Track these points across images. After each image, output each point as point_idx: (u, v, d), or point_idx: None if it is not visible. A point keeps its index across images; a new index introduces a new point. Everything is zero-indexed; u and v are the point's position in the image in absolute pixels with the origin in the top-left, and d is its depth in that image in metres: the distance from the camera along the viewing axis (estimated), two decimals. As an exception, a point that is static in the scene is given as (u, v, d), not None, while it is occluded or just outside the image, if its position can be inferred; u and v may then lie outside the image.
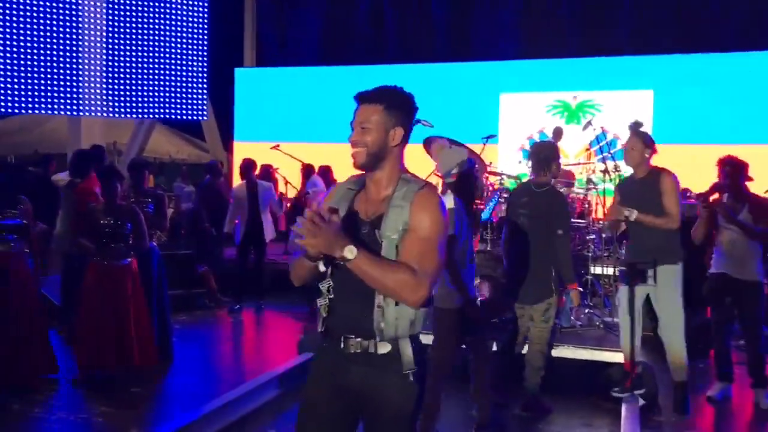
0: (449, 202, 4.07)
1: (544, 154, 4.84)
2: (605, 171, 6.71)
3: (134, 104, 12.23)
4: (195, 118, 12.88)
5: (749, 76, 10.77)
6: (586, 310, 6.16)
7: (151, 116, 12.75)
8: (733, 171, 5.05)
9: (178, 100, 12.50)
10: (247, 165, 8.14)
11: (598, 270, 6.80)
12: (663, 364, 5.92)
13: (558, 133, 9.53)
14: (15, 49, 11.10)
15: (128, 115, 12.52)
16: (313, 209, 2.18)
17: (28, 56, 11.26)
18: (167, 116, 12.68)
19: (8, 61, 11.09)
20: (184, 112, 12.58)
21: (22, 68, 11.21)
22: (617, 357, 5.23)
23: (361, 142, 2.35)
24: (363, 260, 2.17)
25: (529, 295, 4.70)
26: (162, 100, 12.41)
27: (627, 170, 5.96)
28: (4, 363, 4.88)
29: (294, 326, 7.25)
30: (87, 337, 5.15)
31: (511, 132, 11.62)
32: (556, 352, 5.35)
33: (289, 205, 10.27)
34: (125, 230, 5.18)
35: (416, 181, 2.37)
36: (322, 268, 2.29)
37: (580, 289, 4.67)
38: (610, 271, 6.92)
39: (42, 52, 11.34)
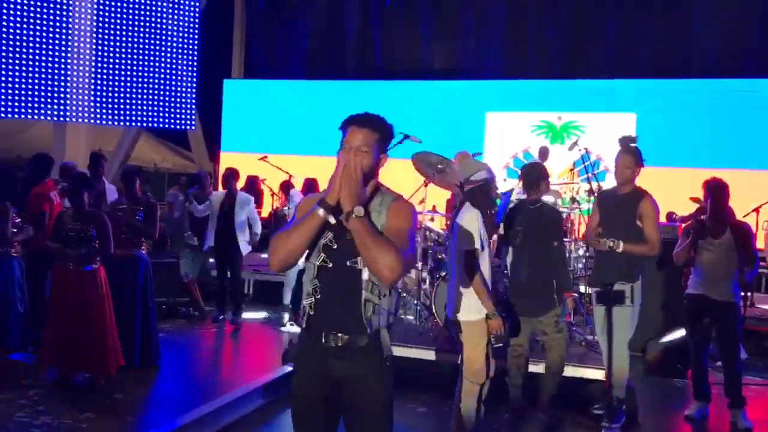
0: (472, 215, 4.19)
1: (534, 173, 5.08)
2: (590, 191, 6.82)
3: (121, 111, 12.21)
4: (183, 127, 12.88)
5: (730, 102, 11.00)
6: (568, 328, 6.23)
7: (138, 124, 12.73)
8: (718, 194, 5.17)
9: (166, 109, 12.50)
10: (229, 174, 7.97)
11: (581, 288, 6.88)
12: (643, 381, 6.03)
13: (544, 153, 9.67)
14: (1, 54, 11.06)
15: (115, 123, 12.49)
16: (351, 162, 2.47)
17: (15, 61, 11.22)
18: (155, 125, 12.66)
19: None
20: (171, 120, 12.58)
21: (8, 73, 11.17)
22: (598, 374, 5.31)
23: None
24: (366, 221, 2.44)
25: (535, 308, 4.88)
26: (150, 108, 12.40)
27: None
28: None
29: (277, 337, 7.26)
30: (52, 340, 5.17)
31: (497, 151, 11.76)
32: (536, 369, 5.42)
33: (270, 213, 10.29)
34: (90, 235, 5.20)
35: (390, 193, 2.67)
36: (332, 220, 2.46)
37: (575, 295, 4.87)
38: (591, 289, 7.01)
39: (29, 56, 11.31)
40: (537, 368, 5.24)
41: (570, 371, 5.34)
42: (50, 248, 5.27)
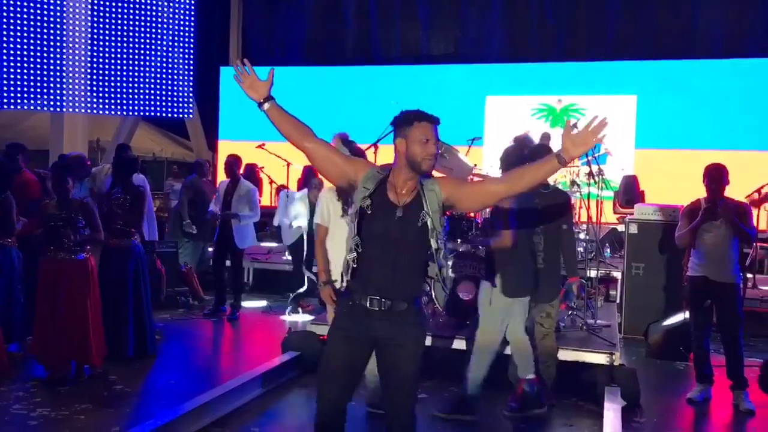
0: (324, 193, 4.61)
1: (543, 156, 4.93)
2: (590, 174, 6.76)
3: (118, 101, 12.13)
4: (181, 115, 12.81)
5: (731, 83, 10.91)
6: (570, 312, 6.20)
7: (135, 113, 12.66)
8: (716, 176, 5.13)
9: (164, 98, 12.42)
10: (231, 162, 7.73)
11: (582, 273, 6.83)
12: (644, 364, 6.00)
13: (545, 138, 9.59)
14: (-2, 44, 10.98)
15: (112, 112, 12.42)
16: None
17: (10, 51, 11.14)
18: (152, 113, 12.58)
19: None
20: (169, 109, 12.50)
21: (4, 63, 11.09)
22: (599, 358, 5.28)
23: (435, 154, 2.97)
24: (274, 110, 3.11)
25: (545, 293, 4.86)
26: (147, 97, 12.32)
27: (610, 175, 6.03)
28: None
29: (276, 326, 7.22)
30: (40, 330, 5.14)
31: (497, 134, 11.67)
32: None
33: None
34: (77, 224, 5.15)
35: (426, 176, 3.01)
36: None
37: (583, 281, 4.85)
38: (593, 273, 6.97)
39: (25, 47, 11.23)
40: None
41: (571, 355, 5.31)
42: (36, 238, 5.23)
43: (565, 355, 5.31)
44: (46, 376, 5.13)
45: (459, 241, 6.42)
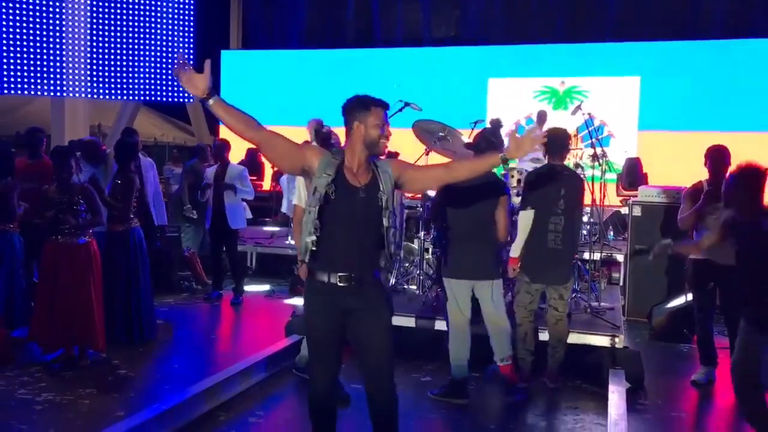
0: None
1: (560, 140, 4.99)
2: (594, 156, 6.72)
3: (119, 85, 12.07)
4: (181, 100, 12.75)
5: (735, 64, 10.82)
6: (573, 295, 6.19)
7: (136, 98, 12.60)
8: (717, 157, 5.11)
9: (164, 82, 12.36)
10: (220, 146, 7.75)
11: (585, 255, 6.82)
12: (648, 347, 6.00)
13: (542, 117, 9.54)
14: (-3, 29, 10.91)
15: (113, 97, 12.37)
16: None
17: (9, 36, 11.08)
18: (153, 98, 12.53)
19: (-10, 40, 10.90)
20: (170, 94, 12.44)
21: (3, 49, 11.03)
22: (602, 341, 5.27)
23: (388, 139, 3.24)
24: (219, 105, 3.07)
25: (563, 275, 4.91)
26: (147, 82, 12.26)
27: (614, 157, 6.01)
28: None
29: (278, 310, 7.22)
30: (40, 314, 5.14)
31: (499, 117, 11.61)
32: (542, 336, 5.38)
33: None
34: (79, 208, 5.14)
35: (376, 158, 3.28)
36: None
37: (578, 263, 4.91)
38: (597, 256, 6.95)
39: (24, 31, 11.16)
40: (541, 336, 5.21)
41: (575, 338, 5.30)
42: (37, 224, 5.23)
43: (569, 337, 5.30)
44: (49, 360, 5.13)
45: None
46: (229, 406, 4.54)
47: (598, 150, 6.78)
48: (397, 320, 5.70)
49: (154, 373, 5.32)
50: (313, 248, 3.12)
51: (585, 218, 7.81)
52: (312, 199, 3.14)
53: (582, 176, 7.07)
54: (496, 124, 7.40)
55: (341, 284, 3.15)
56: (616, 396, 4.59)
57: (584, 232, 7.63)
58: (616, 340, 5.23)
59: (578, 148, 9.01)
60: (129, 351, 5.53)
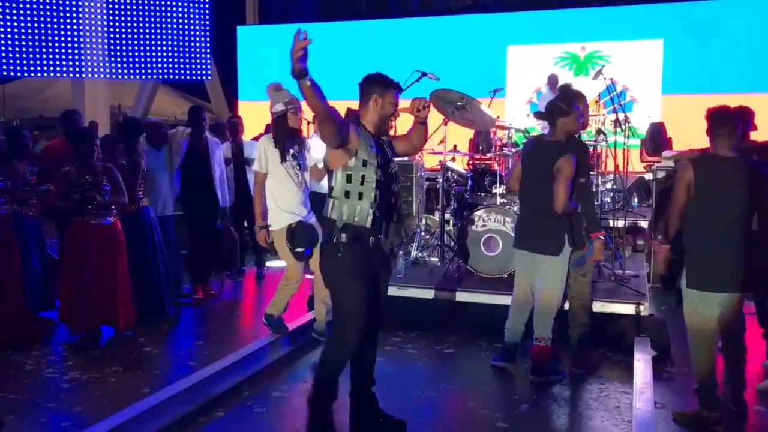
0: (261, 142, 5.06)
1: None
2: (616, 122, 6.59)
3: (137, 65, 12.09)
4: (199, 77, 12.75)
5: (760, 23, 10.53)
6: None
7: (154, 77, 12.62)
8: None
9: (182, 60, 12.35)
10: (235, 124, 7.69)
11: (609, 223, 6.73)
12: (674, 315, 5.91)
13: (552, 80, 9.36)
14: (16, 13, 10.96)
15: (131, 77, 12.40)
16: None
17: (31, 19, 11.12)
18: (171, 77, 12.54)
19: (10, 24, 10.96)
20: (187, 72, 12.44)
21: (25, 32, 11.08)
22: (627, 309, 5.22)
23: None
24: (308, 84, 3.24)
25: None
26: (165, 60, 12.27)
27: (637, 122, 5.89)
28: None
29: (302, 284, 7.21)
30: (68, 295, 5.20)
31: (519, 85, 11.46)
32: (564, 305, 5.33)
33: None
34: (102, 188, 5.17)
35: None
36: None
37: (601, 237, 4.59)
38: (620, 223, 6.85)
39: (43, 14, 11.19)
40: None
41: (599, 306, 5.25)
42: (62, 208, 5.25)
43: (594, 306, 5.25)
44: (77, 340, 5.20)
45: (483, 195, 6.34)
46: (254, 380, 4.57)
47: (621, 116, 6.65)
48: (419, 292, 5.70)
49: (178, 350, 5.37)
50: (376, 214, 3.43)
51: (609, 185, 7.71)
52: (366, 170, 3.39)
53: (600, 142, 7.00)
54: (566, 88, 6.80)
55: (372, 246, 3.48)
56: (641, 364, 4.54)
57: (608, 199, 7.54)
58: (641, 307, 5.17)
59: (600, 114, 8.86)
60: (153, 328, 5.58)
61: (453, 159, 7.16)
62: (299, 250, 4.75)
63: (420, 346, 5.31)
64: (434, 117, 6.39)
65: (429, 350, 5.18)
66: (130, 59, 12.02)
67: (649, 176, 8.31)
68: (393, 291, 5.79)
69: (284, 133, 4.89)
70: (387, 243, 3.63)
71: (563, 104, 4.51)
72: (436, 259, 6.51)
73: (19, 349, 4.98)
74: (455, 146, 7.30)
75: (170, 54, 12.24)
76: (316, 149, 5.02)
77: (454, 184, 6.88)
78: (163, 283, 5.85)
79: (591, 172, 6.04)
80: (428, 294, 5.68)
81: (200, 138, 6.46)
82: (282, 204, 4.85)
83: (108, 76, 12.10)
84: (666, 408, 4.15)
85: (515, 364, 4.77)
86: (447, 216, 6.78)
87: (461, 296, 5.60)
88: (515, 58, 11.77)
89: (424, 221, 7.02)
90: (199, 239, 6.60)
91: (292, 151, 4.89)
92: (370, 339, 3.62)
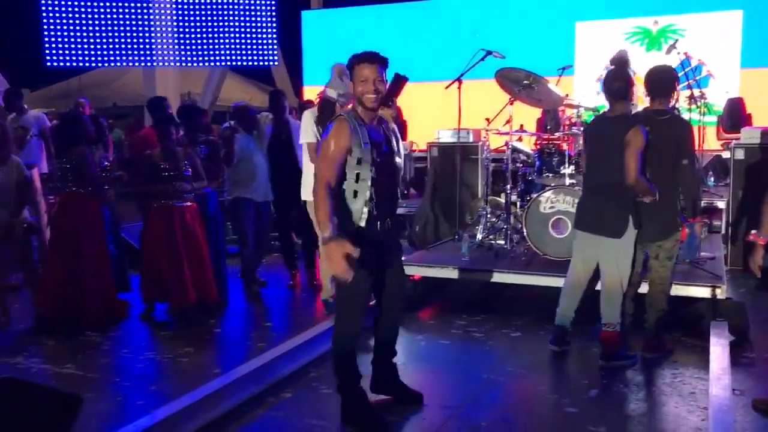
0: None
1: (667, 78, 4.50)
2: (691, 98, 6.33)
3: (206, 53, 12.34)
4: (266, 63, 12.91)
5: None
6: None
7: (222, 64, 12.85)
8: None
9: (249, 47, 12.53)
10: (304, 109, 7.56)
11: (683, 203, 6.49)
12: (755, 297, 5.68)
13: (622, 58, 9.04)
14: (91, 7, 11.31)
15: (201, 64, 12.66)
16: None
17: (104, 12, 11.46)
18: (238, 63, 12.74)
19: (84, 17, 11.32)
20: (254, 58, 12.62)
21: (99, 24, 11.44)
22: (703, 292, 5.02)
23: (379, 91, 3.42)
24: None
25: (656, 232, 4.42)
26: (232, 47, 12.47)
27: (713, 98, 5.65)
28: (75, 306, 5.17)
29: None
30: (148, 273, 5.40)
31: (588, 62, 11.13)
32: (639, 289, 5.18)
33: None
34: (185, 173, 5.36)
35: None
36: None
37: (706, 221, 4.35)
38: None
39: (116, 7, 11.51)
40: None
41: (673, 289, 5.06)
42: (147, 192, 5.41)
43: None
44: (171, 320, 5.41)
45: (551, 176, 6.21)
46: (320, 362, 4.61)
47: (696, 91, 6.39)
48: (484, 276, 5.64)
49: (248, 332, 5.47)
50: (373, 213, 3.41)
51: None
52: (361, 168, 3.35)
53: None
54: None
55: (380, 230, 3.47)
56: (718, 349, 4.36)
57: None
58: (718, 291, 4.96)
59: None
60: (222, 310, 5.70)
61: (519, 139, 7.03)
62: None
63: (485, 329, 5.25)
64: (500, 96, 6.32)
65: (495, 334, 5.12)
66: (199, 47, 12.27)
67: (726, 154, 7.96)
68: (457, 274, 5.78)
69: (326, 117, 4.92)
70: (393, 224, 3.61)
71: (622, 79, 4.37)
72: (503, 242, 6.42)
73: (99, 330, 5.16)
74: (522, 126, 7.16)
75: (237, 41, 12.43)
76: None
77: (521, 165, 6.75)
78: (224, 265, 6.01)
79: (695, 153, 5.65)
80: (493, 277, 5.60)
81: (282, 123, 6.38)
82: None
83: (178, 64, 12.38)
84: (745, 395, 3.99)
85: (567, 347, 4.69)
86: (513, 198, 6.67)
87: (527, 279, 5.50)
88: (584, 35, 11.44)
89: (489, 203, 6.93)
90: (288, 226, 6.58)
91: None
92: (389, 320, 3.78)
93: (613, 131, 4.27)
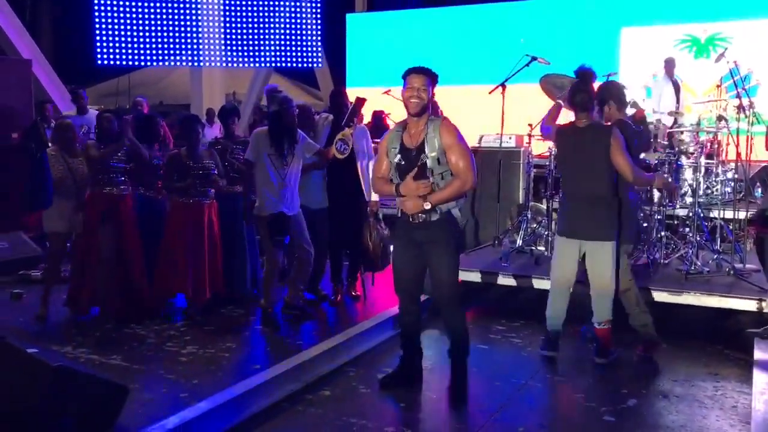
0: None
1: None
2: (740, 108, 6.23)
3: (251, 53, 12.50)
4: (311, 65, 13.03)
5: None
6: (715, 256, 5.83)
7: (267, 65, 13.01)
8: None
9: (294, 48, 12.66)
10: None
11: (728, 214, 6.39)
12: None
13: (670, 63, 8.97)
14: (140, 6, 11.56)
15: (246, 65, 12.83)
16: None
17: (152, 12, 11.70)
18: (283, 64, 12.88)
19: (135, 16, 11.58)
20: (299, 59, 12.74)
21: (147, 24, 11.68)
22: (747, 305, 4.95)
23: (420, 98, 3.89)
24: (436, 199, 3.86)
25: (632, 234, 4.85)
26: (278, 48, 12.61)
27: (763, 107, 5.55)
28: (115, 298, 5.32)
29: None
30: (165, 267, 5.50)
31: (633, 69, 11.00)
32: (680, 299, 5.14)
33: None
34: (212, 173, 5.49)
35: (437, 118, 4.01)
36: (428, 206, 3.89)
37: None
38: (741, 215, 6.50)
39: (164, 6, 11.75)
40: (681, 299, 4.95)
41: (716, 302, 5.01)
42: (176, 190, 5.51)
43: (710, 300, 5.03)
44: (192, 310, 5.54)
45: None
46: (359, 360, 4.67)
47: (745, 101, 6.28)
48: (523, 282, 5.63)
49: (288, 329, 5.52)
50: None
51: (730, 174, 7.31)
52: (392, 172, 4.00)
53: (721, 129, 6.64)
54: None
55: (413, 221, 3.94)
56: (763, 363, 4.30)
57: (728, 189, 7.16)
58: (764, 303, 4.89)
59: (722, 99, 8.40)
60: (260, 307, 5.77)
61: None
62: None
63: (524, 335, 5.25)
64: (544, 102, 6.30)
65: (533, 339, 5.11)
66: (245, 48, 12.43)
67: (775, 165, 7.80)
68: (497, 279, 5.77)
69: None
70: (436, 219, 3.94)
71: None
72: (543, 248, 6.40)
73: (142, 323, 5.29)
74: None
75: (283, 42, 12.57)
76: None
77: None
78: (255, 261, 6.10)
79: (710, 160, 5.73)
80: (533, 283, 5.59)
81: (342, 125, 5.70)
82: None
83: (224, 64, 12.57)
84: (788, 410, 3.92)
85: (558, 352, 4.75)
86: (555, 204, 6.64)
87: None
88: (629, 41, 11.32)
89: (530, 209, 6.90)
90: (341, 237, 6.01)
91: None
92: (442, 313, 4.20)
93: (587, 142, 4.50)
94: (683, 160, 6.76)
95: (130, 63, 12.00)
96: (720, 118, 6.93)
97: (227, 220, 5.80)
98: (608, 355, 4.65)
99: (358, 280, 6.11)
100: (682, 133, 7.38)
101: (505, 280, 5.72)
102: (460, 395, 4.12)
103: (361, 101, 5.60)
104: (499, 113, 6.50)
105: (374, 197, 5.66)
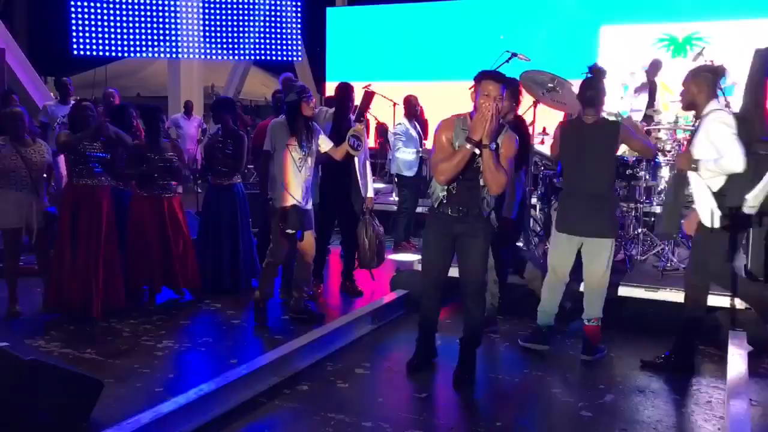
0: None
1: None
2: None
3: (230, 46, 12.40)
4: (290, 59, 12.96)
5: None
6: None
7: (246, 58, 12.92)
8: None
9: (273, 42, 12.58)
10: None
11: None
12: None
13: (656, 65, 9.02)
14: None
15: (224, 57, 12.73)
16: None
17: (130, 3, 11.56)
18: (262, 57, 12.80)
19: (112, 7, 11.42)
20: (278, 53, 12.67)
21: (125, 15, 11.53)
22: (722, 301, 4.99)
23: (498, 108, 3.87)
24: (494, 154, 3.85)
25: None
26: (257, 41, 12.52)
27: (738, 106, 5.59)
28: (85, 293, 5.21)
29: (385, 265, 7.26)
30: (132, 260, 5.58)
31: (612, 66, 11.04)
32: (656, 296, 5.18)
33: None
34: (174, 165, 5.57)
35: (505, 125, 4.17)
36: (477, 150, 3.80)
37: None
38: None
39: (141, -3, 11.61)
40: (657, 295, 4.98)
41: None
42: (126, 177, 5.60)
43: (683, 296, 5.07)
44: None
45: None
46: (337, 356, 4.65)
47: (721, 99, 6.33)
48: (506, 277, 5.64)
49: (265, 324, 5.48)
50: (443, 201, 4.08)
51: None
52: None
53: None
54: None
55: (452, 214, 4.06)
56: (736, 359, 4.34)
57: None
58: (737, 300, 4.94)
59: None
60: (239, 302, 5.75)
61: (542, 142, 7.02)
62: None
63: (501, 330, 5.26)
64: (524, 99, 6.31)
65: (510, 335, 5.13)
66: (224, 40, 12.33)
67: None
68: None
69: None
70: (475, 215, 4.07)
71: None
72: (520, 244, 6.41)
73: (118, 317, 5.23)
74: (544, 129, 7.14)
75: (262, 35, 12.49)
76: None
77: (543, 168, 6.74)
78: (247, 255, 6.11)
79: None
80: (511, 279, 5.61)
81: (346, 120, 5.73)
82: None
83: (202, 56, 12.46)
84: (762, 406, 3.97)
85: (549, 346, 4.79)
86: (534, 200, 6.67)
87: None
88: (608, 39, 11.40)
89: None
90: (328, 235, 6.14)
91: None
92: (465, 302, 4.27)
93: (595, 139, 4.50)
94: (660, 158, 6.79)
95: (107, 54, 11.85)
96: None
97: (226, 210, 5.92)
98: (595, 353, 4.65)
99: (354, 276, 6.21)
100: (659, 131, 7.43)
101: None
102: (470, 380, 4.22)
103: (370, 95, 5.51)
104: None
105: (370, 193, 5.71)
